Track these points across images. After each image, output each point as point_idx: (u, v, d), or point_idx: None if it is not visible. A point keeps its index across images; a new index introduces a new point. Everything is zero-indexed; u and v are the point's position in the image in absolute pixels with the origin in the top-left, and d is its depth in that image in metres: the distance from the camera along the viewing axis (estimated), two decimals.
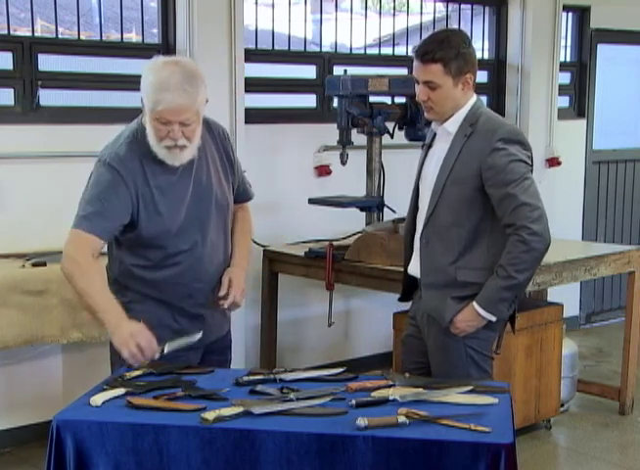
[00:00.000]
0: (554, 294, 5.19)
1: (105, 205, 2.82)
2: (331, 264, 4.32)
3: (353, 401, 2.47)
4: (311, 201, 4.67)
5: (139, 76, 4.68)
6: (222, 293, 2.99)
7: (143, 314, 2.88)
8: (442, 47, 2.97)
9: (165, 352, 2.82)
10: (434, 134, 3.16)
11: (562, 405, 4.80)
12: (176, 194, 2.91)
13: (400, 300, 3.40)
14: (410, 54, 5.82)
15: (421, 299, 3.16)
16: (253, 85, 5.09)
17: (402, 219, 4.08)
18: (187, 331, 2.95)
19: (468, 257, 3.01)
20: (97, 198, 2.84)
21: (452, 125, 3.04)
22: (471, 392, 2.61)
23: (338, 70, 5.23)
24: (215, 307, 3.03)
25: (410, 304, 3.35)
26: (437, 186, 3.03)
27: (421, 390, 2.60)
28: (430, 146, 3.16)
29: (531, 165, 3.02)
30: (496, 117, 3.12)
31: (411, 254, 3.21)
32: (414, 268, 3.18)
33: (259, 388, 2.61)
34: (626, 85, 7.10)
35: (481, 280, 2.99)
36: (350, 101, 4.40)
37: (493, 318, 2.99)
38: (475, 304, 2.98)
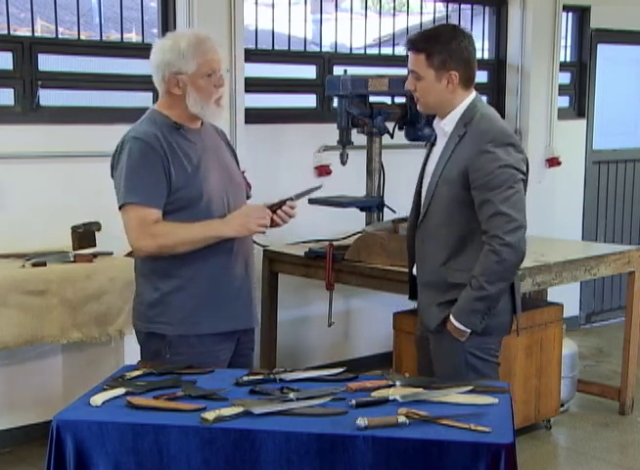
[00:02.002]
0: (554, 294, 5.19)
1: (143, 174, 2.89)
2: (331, 264, 4.32)
3: (353, 401, 2.47)
4: (311, 201, 4.66)
5: (139, 76, 4.76)
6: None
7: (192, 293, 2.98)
8: (429, 39, 2.98)
9: (295, 199, 3.03)
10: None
11: (562, 405, 4.80)
12: (201, 161, 2.98)
13: (411, 298, 3.36)
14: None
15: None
16: (253, 85, 5.09)
17: (402, 219, 4.10)
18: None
19: (459, 258, 2.99)
20: (134, 170, 2.90)
21: (448, 125, 3.03)
22: (471, 392, 2.61)
23: (338, 70, 5.23)
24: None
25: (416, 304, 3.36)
26: (431, 186, 3.03)
27: (421, 390, 2.60)
28: (433, 144, 3.16)
29: (523, 170, 2.96)
30: (491, 117, 3.04)
31: (413, 255, 3.20)
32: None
33: (259, 388, 2.62)
34: (626, 85, 7.10)
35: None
36: (350, 101, 4.40)
37: (467, 330, 2.94)
38: (451, 315, 2.96)
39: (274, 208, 3.01)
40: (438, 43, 2.95)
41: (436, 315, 3.01)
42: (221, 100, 3.01)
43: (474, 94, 3.06)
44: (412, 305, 3.43)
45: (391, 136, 4.57)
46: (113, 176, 3.00)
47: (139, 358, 3.05)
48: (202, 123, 3.07)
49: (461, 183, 2.93)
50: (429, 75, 2.97)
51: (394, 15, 5.88)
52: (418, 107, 3.11)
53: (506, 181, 2.88)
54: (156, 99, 4.72)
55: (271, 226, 3.05)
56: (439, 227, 3.00)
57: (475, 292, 2.89)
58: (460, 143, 2.97)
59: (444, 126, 3.04)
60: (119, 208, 2.94)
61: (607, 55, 6.84)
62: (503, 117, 5.75)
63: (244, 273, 3.08)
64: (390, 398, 2.51)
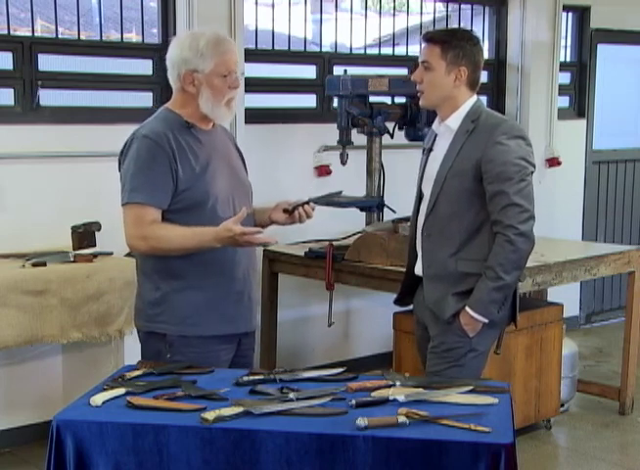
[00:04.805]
0: (554, 294, 5.19)
1: (148, 173, 2.88)
2: (331, 264, 4.32)
3: (353, 401, 2.47)
4: (311, 200, 4.67)
5: (139, 76, 4.76)
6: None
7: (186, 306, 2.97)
8: (447, 34, 3.13)
9: (313, 203, 3.13)
10: (435, 137, 3.18)
11: (562, 405, 4.80)
12: (210, 162, 2.98)
13: (396, 302, 3.42)
14: (410, 54, 5.84)
15: (423, 296, 3.17)
16: (253, 85, 5.08)
17: (402, 219, 4.10)
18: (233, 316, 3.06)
19: (468, 248, 3.06)
20: (140, 169, 2.89)
21: (454, 122, 3.09)
22: (471, 392, 2.61)
23: (338, 70, 5.23)
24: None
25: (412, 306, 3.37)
26: (438, 179, 3.08)
27: (421, 390, 2.60)
28: (431, 149, 3.19)
29: (533, 163, 3.05)
30: (497, 114, 3.19)
31: (415, 256, 3.22)
32: (419, 267, 3.20)
33: (259, 388, 2.62)
34: (626, 85, 7.10)
35: (481, 271, 3.02)
36: (350, 101, 4.40)
37: (485, 320, 3.02)
38: (467, 307, 3.02)
39: (296, 207, 3.09)
40: (455, 38, 3.07)
41: (453, 305, 3.06)
42: (233, 102, 2.99)
43: (476, 96, 3.15)
44: (410, 305, 3.44)
45: (391, 136, 4.57)
46: (120, 171, 3.01)
47: (139, 358, 3.05)
48: (213, 125, 3.07)
49: (473, 175, 3.01)
50: (439, 67, 3.06)
51: (394, 15, 5.88)
52: (420, 101, 3.16)
53: (518, 173, 2.98)
54: (155, 99, 4.75)
55: (289, 223, 3.15)
56: (449, 219, 3.06)
57: (492, 282, 2.97)
58: (470, 138, 3.04)
59: (450, 123, 3.10)
60: (123, 205, 2.94)
61: (607, 55, 6.84)
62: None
63: (246, 276, 3.07)
64: (390, 398, 2.51)
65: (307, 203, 3.10)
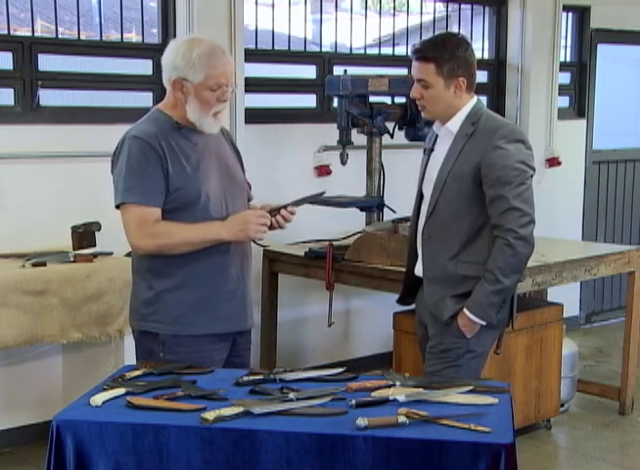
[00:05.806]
0: (554, 294, 5.20)
1: (142, 174, 2.89)
2: (331, 264, 4.32)
3: (353, 401, 2.47)
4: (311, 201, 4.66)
5: (139, 76, 4.76)
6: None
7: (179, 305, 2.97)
8: (437, 48, 3.04)
9: (296, 205, 3.06)
10: (436, 137, 3.18)
11: (562, 405, 4.80)
12: (201, 162, 2.98)
13: (399, 301, 3.43)
14: (410, 54, 5.84)
15: (423, 295, 3.18)
16: (253, 85, 5.09)
17: (402, 219, 4.10)
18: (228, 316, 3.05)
19: (468, 251, 3.05)
20: (133, 169, 2.90)
21: (454, 125, 3.09)
22: (471, 392, 2.61)
23: (338, 70, 5.24)
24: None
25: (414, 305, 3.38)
26: (438, 182, 3.07)
27: (421, 390, 2.60)
28: (432, 149, 3.19)
29: (533, 166, 3.04)
30: (497, 116, 3.17)
31: (415, 257, 3.23)
32: (419, 269, 3.20)
33: (259, 388, 2.62)
34: (626, 85, 7.10)
35: (480, 274, 3.02)
36: (350, 101, 4.40)
37: (483, 323, 3.02)
38: (465, 309, 3.03)
39: (273, 212, 3.02)
40: (446, 51, 3.02)
41: (451, 307, 3.06)
42: (220, 114, 2.99)
43: (476, 97, 3.14)
44: (412, 304, 3.44)
45: (391, 136, 4.57)
46: (112, 173, 3.01)
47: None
48: None
49: (472, 178, 3.01)
50: (438, 84, 3.03)
51: (394, 15, 5.88)
52: (423, 115, 3.17)
53: (518, 177, 2.97)
54: (156, 99, 4.75)
55: (269, 229, 3.07)
56: (449, 222, 3.05)
57: (491, 286, 2.97)
58: (469, 141, 3.03)
59: (450, 126, 3.09)
60: (117, 206, 2.94)
61: (607, 55, 6.85)
62: (503, 117, 5.76)
63: (239, 275, 3.07)
64: (390, 398, 2.51)
65: (285, 207, 3.05)
